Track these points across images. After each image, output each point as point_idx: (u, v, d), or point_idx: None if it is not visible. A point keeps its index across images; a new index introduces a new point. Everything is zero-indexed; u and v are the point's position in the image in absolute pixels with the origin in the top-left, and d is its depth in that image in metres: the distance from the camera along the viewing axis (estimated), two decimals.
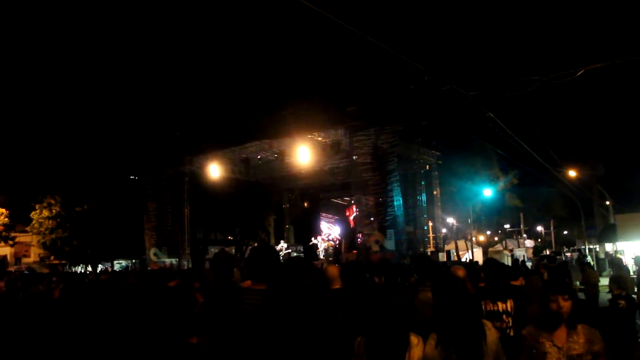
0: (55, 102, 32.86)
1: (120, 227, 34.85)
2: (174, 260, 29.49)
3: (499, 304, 5.31)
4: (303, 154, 25.21)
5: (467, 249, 36.51)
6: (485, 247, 43.42)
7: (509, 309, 5.32)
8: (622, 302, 7.71)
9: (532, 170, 33.46)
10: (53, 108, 33.29)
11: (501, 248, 44.05)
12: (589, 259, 29.64)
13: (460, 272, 6.58)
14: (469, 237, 39.52)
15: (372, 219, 24.37)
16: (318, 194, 35.56)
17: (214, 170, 28.17)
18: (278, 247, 30.37)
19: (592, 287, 13.62)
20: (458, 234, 42.93)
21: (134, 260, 34.88)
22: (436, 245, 31.27)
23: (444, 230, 37.93)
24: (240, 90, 27.93)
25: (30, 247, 40.98)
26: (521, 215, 50.56)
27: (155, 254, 29.79)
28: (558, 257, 33.80)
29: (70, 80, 30.75)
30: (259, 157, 27.73)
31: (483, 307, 5.30)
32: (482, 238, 49.69)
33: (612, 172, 36.56)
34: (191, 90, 29.53)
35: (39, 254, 37.10)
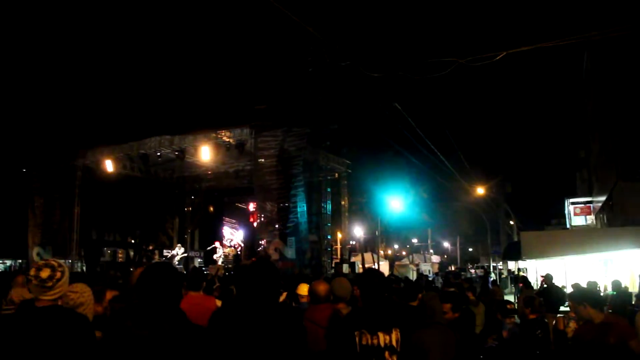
0: None
1: (2, 222, 31.90)
2: (68, 262, 27.02)
3: (380, 335, 3.75)
4: (205, 152, 23.69)
5: (374, 262, 35.94)
6: (392, 261, 43.08)
7: (393, 342, 3.76)
8: (539, 331, 6.50)
9: (442, 185, 33.43)
10: None
11: (408, 262, 43.91)
12: (492, 276, 29.63)
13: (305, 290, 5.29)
14: (377, 250, 39.08)
15: (276, 225, 23.17)
16: (222, 198, 34.03)
17: (109, 166, 26.13)
18: (173, 252, 28.61)
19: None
20: (366, 246, 42.48)
21: (19, 261, 32.07)
22: (342, 256, 30.41)
23: (351, 242, 37.27)
24: (140, 81, 26.02)
25: None
26: (429, 230, 50.81)
27: (38, 254, 27.22)
28: (463, 273, 33.85)
29: None
30: (158, 154, 25.77)
31: (357, 339, 3.76)
32: (389, 251, 49.51)
33: (517, 191, 37.07)
34: (87, 79, 27.28)
35: None
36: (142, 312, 2.74)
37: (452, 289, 11.90)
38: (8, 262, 32.54)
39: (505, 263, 32.05)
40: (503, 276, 31.39)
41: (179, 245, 30.16)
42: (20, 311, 3.27)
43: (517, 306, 13.07)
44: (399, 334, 3.81)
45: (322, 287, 5.32)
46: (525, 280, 16.12)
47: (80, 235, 28.55)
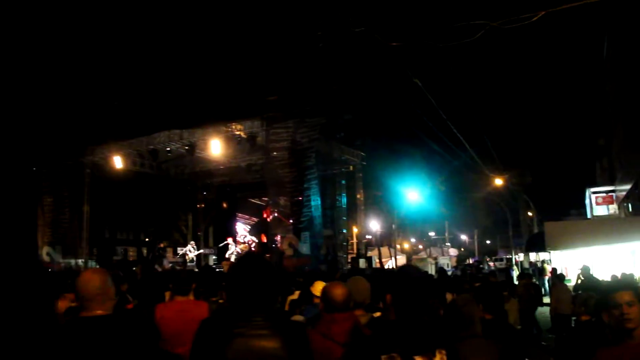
0: None
1: (13, 222, 31.55)
2: (80, 261, 26.45)
3: None
4: (216, 146, 22.97)
5: (391, 256, 35.16)
6: (409, 255, 42.30)
7: None
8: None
9: (459, 176, 32.61)
10: None
11: (425, 256, 43.13)
12: (515, 269, 28.83)
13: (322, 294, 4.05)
14: (393, 244, 38.33)
15: (290, 220, 22.48)
16: (235, 193, 33.38)
17: (118, 163, 25.52)
18: (185, 250, 28.01)
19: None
20: (382, 240, 41.73)
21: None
22: (358, 251, 29.67)
23: (367, 236, 36.52)
24: (146, 74, 25.33)
25: None
26: (446, 223, 50.01)
27: (48, 254, 26.69)
28: (481, 266, 33.01)
29: None
30: (168, 149, 25.12)
31: None
32: (406, 245, 48.69)
33: (536, 182, 36.03)
34: (93, 74, 26.71)
35: None
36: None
37: (477, 284, 10.97)
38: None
39: (527, 255, 31.17)
40: (524, 268, 30.54)
41: (192, 242, 29.53)
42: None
43: (551, 303, 12.21)
44: (445, 357, 2.69)
45: (339, 291, 4.02)
46: (556, 273, 15.12)
47: (91, 234, 28.01)
